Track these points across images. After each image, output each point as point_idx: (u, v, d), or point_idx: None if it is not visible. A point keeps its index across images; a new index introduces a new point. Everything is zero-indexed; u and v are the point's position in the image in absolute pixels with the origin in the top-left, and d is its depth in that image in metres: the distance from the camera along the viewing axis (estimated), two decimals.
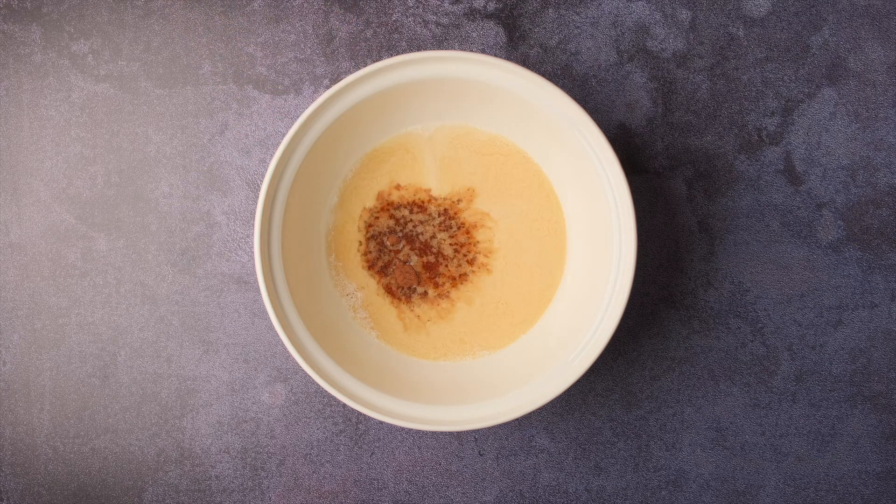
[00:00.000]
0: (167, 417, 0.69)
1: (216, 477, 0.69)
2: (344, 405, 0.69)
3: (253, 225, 0.68)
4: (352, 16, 0.68)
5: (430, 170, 0.67)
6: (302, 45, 0.68)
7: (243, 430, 0.69)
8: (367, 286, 0.67)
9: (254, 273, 0.69)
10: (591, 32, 0.68)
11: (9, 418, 0.69)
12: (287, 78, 0.68)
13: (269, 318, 0.69)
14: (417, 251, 0.67)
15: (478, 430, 0.69)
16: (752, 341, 0.69)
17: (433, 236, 0.67)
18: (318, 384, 0.68)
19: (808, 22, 0.68)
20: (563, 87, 0.67)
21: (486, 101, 0.63)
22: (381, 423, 0.69)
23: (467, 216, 0.67)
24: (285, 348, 0.69)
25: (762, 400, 0.69)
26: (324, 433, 0.69)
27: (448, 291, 0.67)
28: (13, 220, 0.69)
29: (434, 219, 0.67)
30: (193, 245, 0.69)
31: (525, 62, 0.68)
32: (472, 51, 0.67)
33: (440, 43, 0.68)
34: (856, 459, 0.69)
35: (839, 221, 0.68)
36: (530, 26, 0.68)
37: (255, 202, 0.68)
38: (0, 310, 0.69)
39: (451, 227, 0.67)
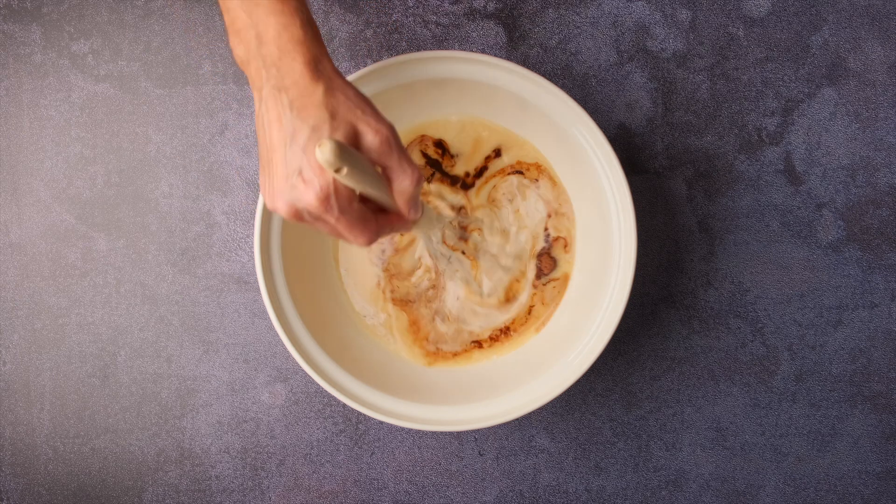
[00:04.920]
0: (167, 417, 0.69)
1: (216, 477, 0.69)
2: (344, 405, 0.69)
3: (253, 225, 0.68)
4: (352, 16, 0.68)
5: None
6: None
7: (243, 430, 0.69)
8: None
9: (254, 273, 0.69)
10: (591, 32, 0.68)
11: (9, 418, 0.69)
12: None
13: (269, 318, 0.68)
14: None
15: (478, 430, 0.69)
16: (752, 341, 0.69)
17: None
18: (318, 384, 0.68)
19: (808, 22, 0.68)
20: (563, 87, 0.67)
21: (486, 101, 0.63)
22: (381, 423, 0.69)
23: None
24: (285, 348, 0.69)
25: (762, 400, 0.69)
26: (324, 433, 0.69)
27: None
28: (13, 220, 0.69)
29: None
30: (193, 245, 0.69)
31: (525, 62, 0.68)
32: (472, 51, 0.67)
33: (440, 43, 0.68)
34: (856, 459, 0.69)
35: (839, 221, 0.68)
36: (530, 26, 0.68)
37: (255, 202, 0.68)
38: (0, 310, 0.69)
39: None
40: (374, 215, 0.47)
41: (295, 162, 0.43)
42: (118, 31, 0.68)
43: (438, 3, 0.68)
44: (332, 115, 0.44)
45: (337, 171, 0.41)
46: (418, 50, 0.68)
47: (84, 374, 0.69)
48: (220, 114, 0.68)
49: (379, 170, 0.46)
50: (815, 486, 0.70)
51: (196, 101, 0.68)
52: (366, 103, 0.45)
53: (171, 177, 0.69)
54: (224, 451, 0.69)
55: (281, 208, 0.44)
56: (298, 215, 0.44)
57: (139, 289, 0.69)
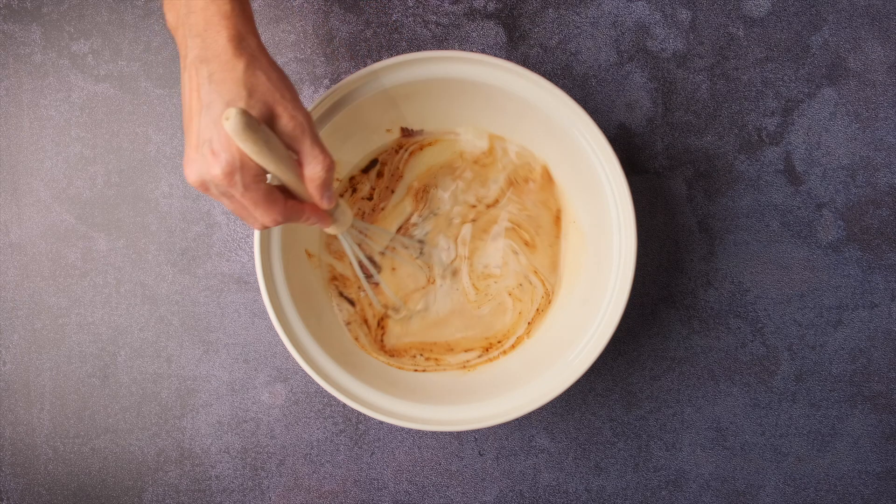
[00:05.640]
0: (167, 417, 0.69)
1: (216, 477, 0.69)
2: (344, 405, 0.69)
3: None
4: (352, 16, 0.68)
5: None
6: (302, 45, 0.68)
7: (243, 430, 0.69)
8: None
9: (254, 273, 0.69)
10: (591, 32, 0.68)
11: (9, 418, 0.69)
12: None
13: (269, 318, 0.68)
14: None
15: (478, 430, 0.69)
16: (752, 341, 0.69)
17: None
18: (318, 384, 0.68)
19: (808, 22, 0.68)
20: (563, 87, 0.67)
21: (486, 101, 0.63)
22: (381, 423, 0.69)
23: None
24: (285, 348, 0.69)
25: (762, 400, 0.69)
26: (324, 433, 0.69)
27: None
28: (13, 220, 0.69)
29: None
30: (193, 245, 0.69)
31: (525, 62, 0.68)
32: (472, 51, 0.67)
33: (440, 43, 0.68)
34: (856, 459, 0.69)
35: (839, 221, 0.68)
36: (530, 26, 0.68)
37: None
38: (0, 310, 0.69)
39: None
40: (284, 199, 0.47)
41: (207, 133, 0.44)
42: (118, 31, 0.68)
43: (438, 3, 0.68)
44: (250, 93, 0.44)
45: (247, 138, 0.42)
46: (418, 50, 0.68)
47: (84, 374, 0.69)
48: None
49: (295, 157, 0.47)
50: (815, 486, 0.70)
51: None
52: (286, 87, 0.46)
53: (171, 177, 0.69)
54: (224, 451, 0.69)
55: (189, 177, 0.45)
56: (205, 186, 0.45)
57: (139, 289, 0.69)
